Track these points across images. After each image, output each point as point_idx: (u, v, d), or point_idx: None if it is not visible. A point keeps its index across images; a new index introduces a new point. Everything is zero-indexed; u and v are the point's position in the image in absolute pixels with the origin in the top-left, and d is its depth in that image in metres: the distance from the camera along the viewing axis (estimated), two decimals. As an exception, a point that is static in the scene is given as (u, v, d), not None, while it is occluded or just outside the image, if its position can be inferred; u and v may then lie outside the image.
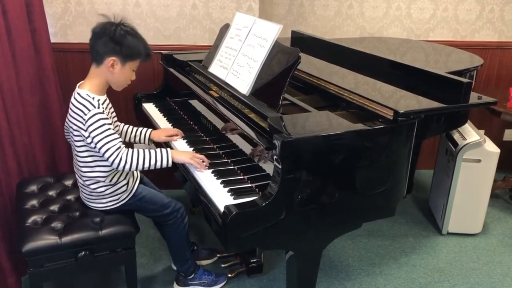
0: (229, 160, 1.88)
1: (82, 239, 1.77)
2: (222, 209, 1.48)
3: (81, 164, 1.81)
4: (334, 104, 1.93)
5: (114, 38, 1.70)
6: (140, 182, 2.01)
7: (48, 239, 1.74)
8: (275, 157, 1.46)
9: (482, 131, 3.03)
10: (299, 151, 1.47)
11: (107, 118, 1.72)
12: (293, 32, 2.71)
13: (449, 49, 2.73)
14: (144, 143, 2.11)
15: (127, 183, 1.91)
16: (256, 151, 1.72)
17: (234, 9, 2.69)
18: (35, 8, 2.27)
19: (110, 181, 1.84)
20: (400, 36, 3.14)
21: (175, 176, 2.04)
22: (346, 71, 2.21)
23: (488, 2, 3.11)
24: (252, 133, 1.67)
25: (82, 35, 2.65)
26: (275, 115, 1.65)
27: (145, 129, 2.12)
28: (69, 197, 2.03)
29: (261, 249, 2.18)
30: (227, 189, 1.66)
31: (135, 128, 2.10)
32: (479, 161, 2.49)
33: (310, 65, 2.28)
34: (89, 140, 1.72)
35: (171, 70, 2.44)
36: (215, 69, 2.16)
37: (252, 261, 2.19)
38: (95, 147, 1.72)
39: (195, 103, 2.29)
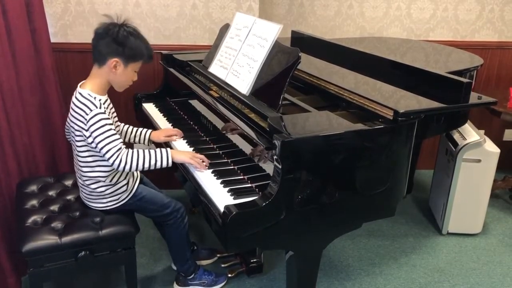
0: (229, 160, 1.88)
1: (82, 239, 1.77)
2: (222, 209, 1.48)
3: (82, 164, 1.81)
4: (334, 104, 1.93)
5: (117, 39, 1.70)
6: (140, 182, 2.01)
7: (48, 239, 1.74)
8: (275, 157, 1.46)
9: (482, 131, 3.03)
10: (299, 151, 1.47)
11: (108, 118, 1.72)
12: (293, 32, 2.71)
13: (449, 49, 2.73)
14: (144, 143, 2.11)
15: (127, 183, 1.91)
16: (256, 151, 1.72)
17: (234, 9, 2.69)
18: (35, 8, 2.27)
19: (110, 181, 1.84)
20: (400, 36, 3.14)
21: (175, 176, 2.04)
22: (346, 71, 2.21)
23: (488, 2, 3.11)
24: (252, 133, 1.67)
25: (82, 35, 2.65)
26: (275, 115, 1.65)
27: (145, 129, 2.12)
28: (69, 197, 2.04)
29: (261, 249, 2.18)
30: (227, 189, 1.66)
31: (135, 129, 2.10)
32: (479, 161, 2.49)
33: (310, 65, 2.28)
34: (90, 140, 1.72)
35: (171, 70, 2.45)
36: (215, 69, 2.16)
37: (252, 261, 2.19)
38: (96, 147, 1.72)
39: (195, 103, 2.29)
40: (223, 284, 2.21)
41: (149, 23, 2.69)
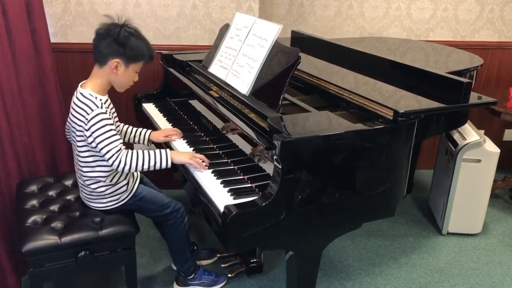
0: (229, 160, 1.88)
1: (82, 239, 1.77)
2: (222, 209, 1.48)
3: (82, 164, 1.81)
4: (334, 104, 1.93)
5: (118, 39, 1.70)
6: (140, 182, 2.01)
7: (48, 239, 1.74)
8: (275, 157, 1.46)
9: (482, 131, 3.03)
10: (299, 151, 1.47)
11: (109, 119, 1.72)
12: (293, 32, 2.71)
13: (449, 49, 2.73)
14: (144, 143, 2.11)
15: (127, 183, 1.91)
16: (256, 151, 1.72)
17: (234, 9, 2.69)
18: (35, 8, 2.27)
19: (111, 181, 1.84)
20: (400, 36, 3.14)
21: (175, 176, 2.04)
22: (346, 71, 2.22)
23: (488, 2, 3.11)
24: (252, 133, 1.67)
25: (82, 35, 2.65)
26: (275, 115, 1.65)
27: (144, 129, 2.12)
28: (69, 197, 2.04)
29: (261, 249, 2.18)
30: (227, 189, 1.66)
31: (134, 129, 2.10)
32: (479, 161, 2.49)
33: (310, 65, 2.28)
34: (90, 139, 1.72)
35: (171, 70, 2.45)
36: (215, 69, 2.16)
37: (252, 261, 2.19)
38: (96, 147, 1.72)
39: (195, 103, 2.29)
40: (223, 284, 2.21)
41: (149, 23, 2.69)
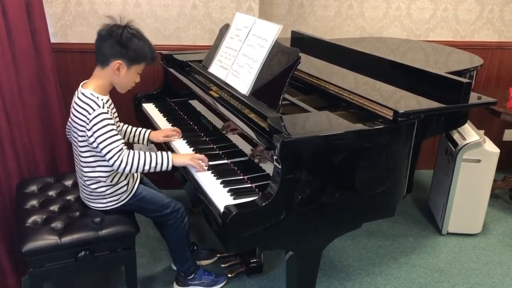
0: (229, 161, 1.88)
1: (82, 239, 1.78)
2: (222, 209, 1.48)
3: (83, 164, 1.81)
4: (334, 104, 1.94)
5: (120, 41, 1.70)
6: (140, 182, 2.01)
7: (48, 239, 1.74)
8: (275, 157, 1.46)
9: (482, 131, 3.03)
10: (299, 151, 1.47)
11: (111, 119, 1.72)
12: (293, 32, 2.71)
13: (449, 49, 2.73)
14: (143, 143, 2.11)
15: (127, 184, 1.91)
16: (256, 151, 1.72)
17: (234, 9, 2.69)
18: (35, 8, 2.27)
19: (111, 181, 1.84)
20: (400, 36, 3.14)
21: (175, 176, 2.04)
22: (346, 71, 2.22)
23: (488, 2, 3.12)
24: (252, 133, 1.67)
25: (82, 35, 2.65)
26: (275, 115, 1.65)
27: (144, 129, 2.12)
28: (69, 197, 2.04)
29: (261, 249, 2.18)
30: (227, 189, 1.66)
31: (134, 128, 2.11)
32: (479, 161, 2.49)
33: (310, 65, 2.28)
34: (91, 139, 1.72)
35: (171, 70, 2.45)
36: (215, 69, 2.16)
37: (252, 261, 2.19)
38: (97, 147, 1.72)
39: (195, 103, 2.29)
40: (223, 284, 2.21)
41: (149, 23, 2.69)
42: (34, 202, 1.98)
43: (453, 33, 3.18)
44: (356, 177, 1.61)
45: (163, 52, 2.58)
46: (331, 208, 1.59)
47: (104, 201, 1.88)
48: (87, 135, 1.72)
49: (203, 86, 2.17)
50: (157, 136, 2.09)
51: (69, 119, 1.81)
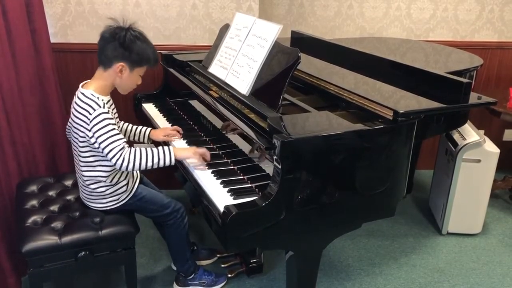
0: (229, 160, 1.88)
1: (82, 239, 1.78)
2: (222, 209, 1.48)
3: (83, 165, 1.81)
4: (334, 104, 1.94)
5: (123, 43, 1.70)
6: (140, 182, 2.01)
7: (48, 239, 1.74)
8: (274, 157, 1.46)
9: (482, 131, 3.03)
10: (299, 151, 1.47)
11: (112, 118, 1.72)
12: (293, 32, 2.71)
13: (449, 49, 2.73)
14: (144, 141, 2.11)
15: (127, 183, 1.91)
16: (255, 149, 1.72)
17: (234, 9, 2.69)
18: (35, 9, 2.27)
19: (111, 181, 1.84)
20: (400, 36, 3.14)
21: (175, 176, 2.04)
22: (346, 71, 2.22)
23: (488, 2, 3.12)
24: (252, 133, 1.67)
25: (82, 35, 2.65)
26: (275, 115, 1.65)
27: (144, 127, 2.12)
28: (69, 197, 2.04)
29: (261, 249, 2.18)
30: (227, 189, 1.66)
31: (134, 127, 2.11)
32: (479, 161, 2.49)
33: (310, 65, 2.28)
34: (93, 140, 1.71)
35: (171, 70, 2.45)
36: (215, 69, 2.16)
37: (252, 261, 2.19)
38: (98, 147, 1.72)
39: (195, 103, 2.29)
40: (223, 284, 2.21)
41: (149, 23, 2.69)
42: (34, 202, 1.98)
43: (453, 33, 3.18)
44: (356, 177, 1.61)
45: (163, 52, 2.58)
46: (331, 208, 1.59)
47: (104, 201, 1.88)
48: (88, 136, 1.72)
49: (203, 86, 2.17)
50: (157, 135, 2.09)
51: (69, 119, 1.81)
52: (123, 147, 1.73)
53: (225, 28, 2.24)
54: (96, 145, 1.72)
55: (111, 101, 1.82)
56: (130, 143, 1.93)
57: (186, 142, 2.06)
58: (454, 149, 2.52)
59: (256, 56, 1.89)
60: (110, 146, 1.70)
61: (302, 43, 2.59)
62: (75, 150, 1.83)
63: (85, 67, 2.66)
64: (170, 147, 1.84)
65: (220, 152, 1.96)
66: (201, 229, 2.66)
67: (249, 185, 1.69)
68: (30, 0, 2.23)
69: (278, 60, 1.80)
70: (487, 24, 3.17)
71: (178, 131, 2.11)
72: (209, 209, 1.59)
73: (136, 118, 2.60)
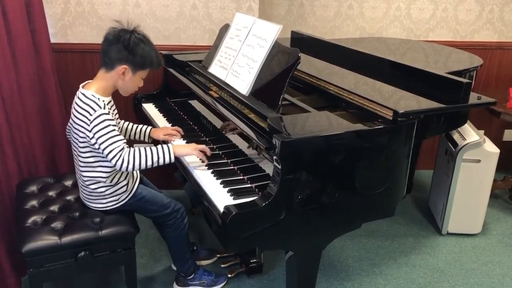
0: (228, 161, 1.88)
1: (82, 239, 1.78)
2: (221, 209, 1.48)
3: (83, 165, 1.81)
4: (333, 104, 1.94)
5: (127, 46, 1.70)
6: (140, 183, 2.01)
7: (48, 239, 1.74)
8: (274, 157, 1.46)
9: (482, 131, 3.03)
10: (299, 152, 1.48)
11: (112, 119, 1.72)
12: (292, 33, 2.71)
13: (449, 49, 2.73)
14: (144, 140, 2.12)
15: (127, 184, 1.91)
16: (253, 147, 1.72)
17: (234, 9, 2.70)
18: (35, 9, 2.27)
19: (111, 181, 1.84)
20: (400, 36, 3.15)
21: (175, 176, 2.04)
22: (345, 71, 2.22)
23: (487, 3, 3.12)
24: (252, 134, 1.67)
25: (82, 36, 2.65)
26: (275, 115, 1.65)
27: (144, 126, 2.12)
28: (69, 197, 2.04)
29: (261, 249, 2.18)
30: (226, 189, 1.66)
31: (134, 126, 2.11)
32: (478, 161, 2.49)
33: (310, 65, 2.29)
34: (93, 141, 1.72)
35: (171, 70, 2.45)
36: (215, 69, 2.16)
37: (252, 261, 2.19)
38: (98, 148, 1.72)
39: (195, 103, 2.29)
40: (223, 284, 2.21)
41: (149, 23, 2.69)
42: (34, 202, 1.98)
43: (453, 33, 3.18)
44: (356, 177, 1.62)
45: (163, 52, 2.58)
46: (331, 208, 1.59)
47: (104, 201, 1.88)
48: (89, 136, 1.72)
49: (203, 86, 2.17)
50: (158, 134, 2.09)
51: (70, 120, 1.81)
52: (122, 148, 1.73)
53: (225, 28, 2.24)
54: (96, 146, 1.72)
55: (112, 102, 1.82)
56: (131, 142, 1.93)
57: (186, 142, 2.06)
58: (454, 149, 2.52)
59: (256, 56, 1.89)
60: (110, 147, 1.70)
61: (302, 43, 2.59)
62: (75, 151, 1.83)
63: (85, 67, 2.66)
64: (169, 144, 1.84)
65: (220, 152, 1.96)
66: (201, 229, 2.66)
67: (249, 185, 1.69)
68: (30, 0, 2.23)
69: (278, 60, 1.80)
70: (487, 24, 3.17)
71: (178, 131, 2.11)
72: (209, 209, 1.59)
73: (136, 118, 2.60)
